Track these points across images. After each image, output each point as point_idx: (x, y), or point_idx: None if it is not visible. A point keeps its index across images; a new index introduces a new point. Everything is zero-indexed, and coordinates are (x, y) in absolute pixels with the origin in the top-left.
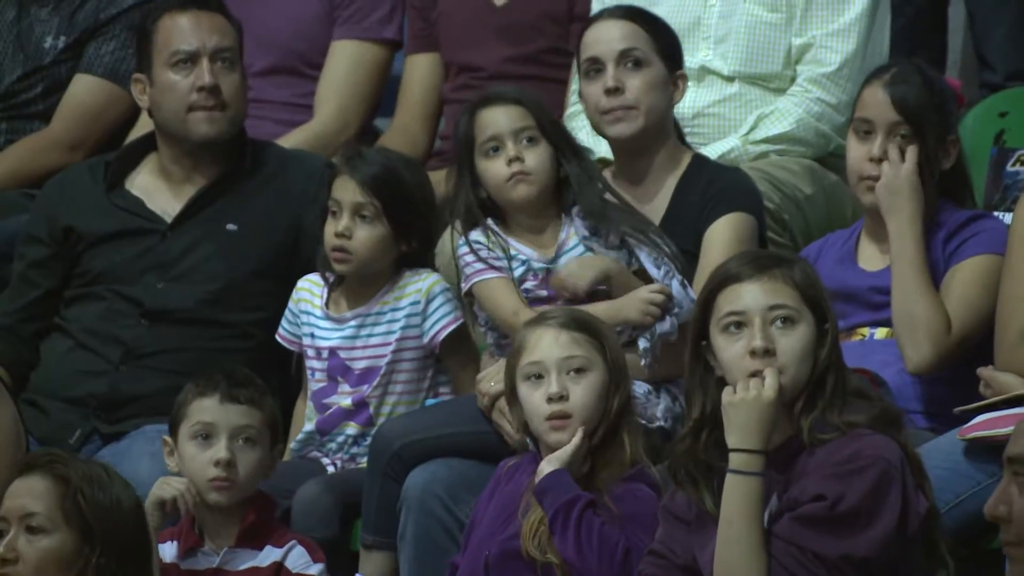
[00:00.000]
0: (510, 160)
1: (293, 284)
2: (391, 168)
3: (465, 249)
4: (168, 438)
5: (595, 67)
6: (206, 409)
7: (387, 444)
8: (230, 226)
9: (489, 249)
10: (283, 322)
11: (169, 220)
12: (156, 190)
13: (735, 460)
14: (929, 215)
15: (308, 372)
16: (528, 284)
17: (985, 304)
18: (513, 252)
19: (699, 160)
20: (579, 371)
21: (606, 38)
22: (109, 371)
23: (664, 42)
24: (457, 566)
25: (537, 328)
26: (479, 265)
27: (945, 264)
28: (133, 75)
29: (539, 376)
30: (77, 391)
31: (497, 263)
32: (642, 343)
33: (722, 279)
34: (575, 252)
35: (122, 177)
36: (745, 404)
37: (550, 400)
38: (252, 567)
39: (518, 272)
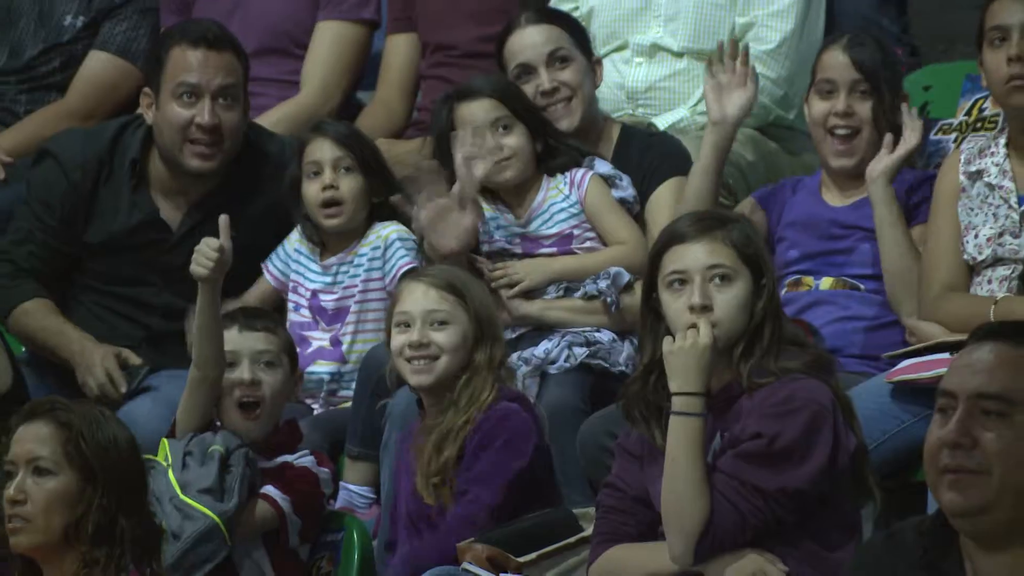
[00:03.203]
0: (488, 152)
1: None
2: (354, 127)
3: None
4: (148, 90)
5: (526, 71)
6: (228, 339)
7: (375, 366)
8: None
9: None
10: (274, 258)
11: (174, 229)
12: (165, 194)
13: (677, 403)
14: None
15: (291, 306)
16: (503, 244)
17: None
18: (490, 216)
19: (626, 131)
20: (442, 323)
21: (531, 43)
22: (132, 345)
23: (580, 35)
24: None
25: (411, 282)
26: None
27: (908, 215)
28: (143, 89)
29: (407, 324)
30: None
31: None
32: (591, 288)
33: (668, 239)
34: (546, 215)
35: (145, 173)
36: (683, 352)
37: (410, 346)
38: (262, 468)
39: (496, 235)
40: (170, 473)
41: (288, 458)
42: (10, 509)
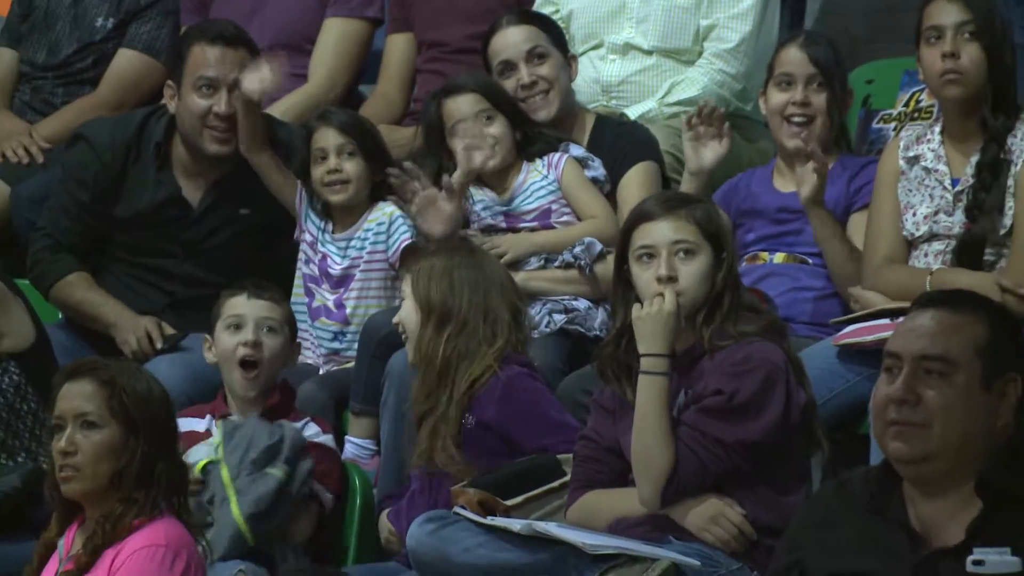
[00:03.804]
0: (474, 139)
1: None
2: (357, 115)
3: None
4: (208, 336)
5: (508, 67)
6: (237, 304)
7: (375, 331)
8: (243, 211)
9: None
10: (302, 201)
11: (194, 206)
12: (186, 175)
13: (645, 363)
14: (828, 149)
15: (302, 256)
16: (489, 220)
17: None
18: (478, 198)
19: (599, 120)
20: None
21: (512, 42)
22: (157, 310)
23: (555, 33)
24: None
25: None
26: None
27: (849, 200)
28: (166, 81)
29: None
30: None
31: None
32: (567, 256)
33: (637, 217)
34: (527, 193)
35: (168, 156)
36: (650, 318)
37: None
38: None
39: (483, 213)
40: (225, 477)
41: (295, 425)
42: (61, 460)
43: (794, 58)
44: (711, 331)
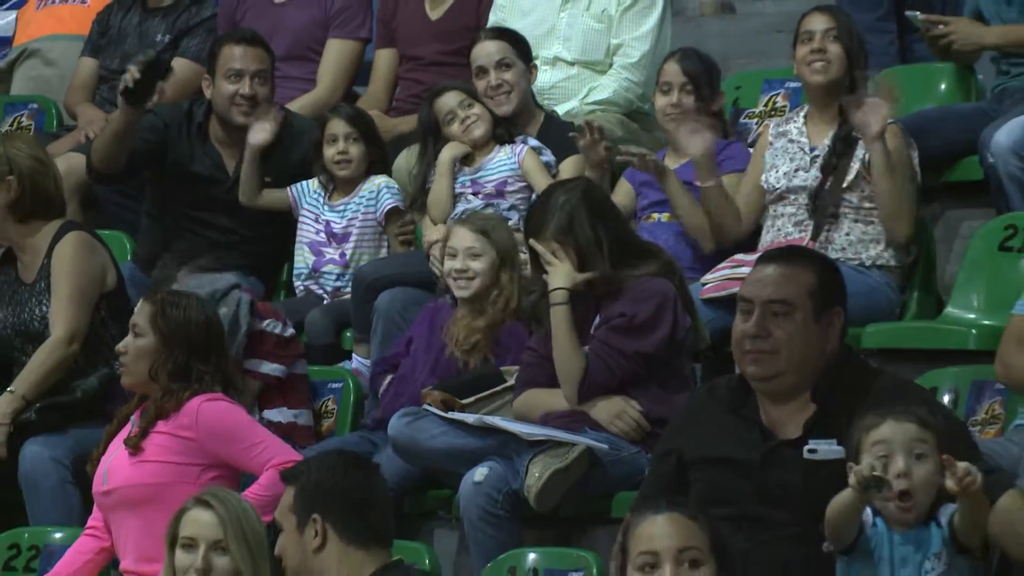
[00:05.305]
0: (462, 120)
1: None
2: (360, 109)
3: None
4: (207, 75)
5: (482, 71)
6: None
7: (365, 278)
8: (266, 179)
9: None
10: (297, 187)
11: (230, 172)
12: (223, 147)
13: (552, 297)
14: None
15: (310, 230)
16: (459, 190)
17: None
18: (457, 171)
19: (547, 118)
20: (475, 255)
21: (486, 52)
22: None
23: (522, 47)
24: (385, 368)
25: (455, 226)
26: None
27: (717, 168)
28: (203, 75)
29: (453, 255)
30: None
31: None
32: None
33: None
34: (492, 168)
35: (207, 132)
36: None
37: (455, 274)
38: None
39: (460, 180)
40: None
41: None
42: (121, 359)
43: (671, 70)
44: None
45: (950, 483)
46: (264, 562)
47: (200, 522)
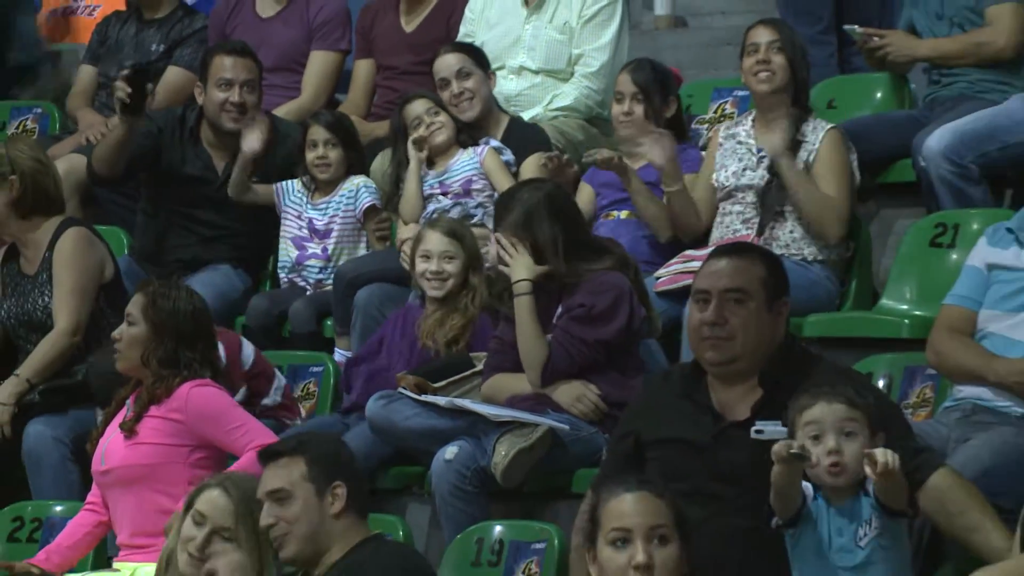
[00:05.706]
0: (427, 126)
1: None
2: (340, 115)
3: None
4: (199, 83)
5: (445, 82)
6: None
7: (345, 275)
8: (253, 178)
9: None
10: (282, 186)
11: (219, 173)
12: (213, 150)
13: (515, 289)
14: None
15: (293, 227)
16: (428, 191)
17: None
18: (423, 174)
19: (511, 121)
20: (450, 258)
21: (447, 64)
22: (188, 245)
23: (479, 57)
24: (359, 360)
25: (427, 230)
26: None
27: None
28: (196, 83)
29: (428, 258)
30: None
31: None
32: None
33: None
34: (457, 168)
35: (198, 135)
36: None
37: (429, 275)
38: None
39: (427, 183)
40: None
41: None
42: (116, 345)
43: (623, 80)
44: (575, 268)
45: (870, 471)
46: (270, 553)
47: (214, 504)
